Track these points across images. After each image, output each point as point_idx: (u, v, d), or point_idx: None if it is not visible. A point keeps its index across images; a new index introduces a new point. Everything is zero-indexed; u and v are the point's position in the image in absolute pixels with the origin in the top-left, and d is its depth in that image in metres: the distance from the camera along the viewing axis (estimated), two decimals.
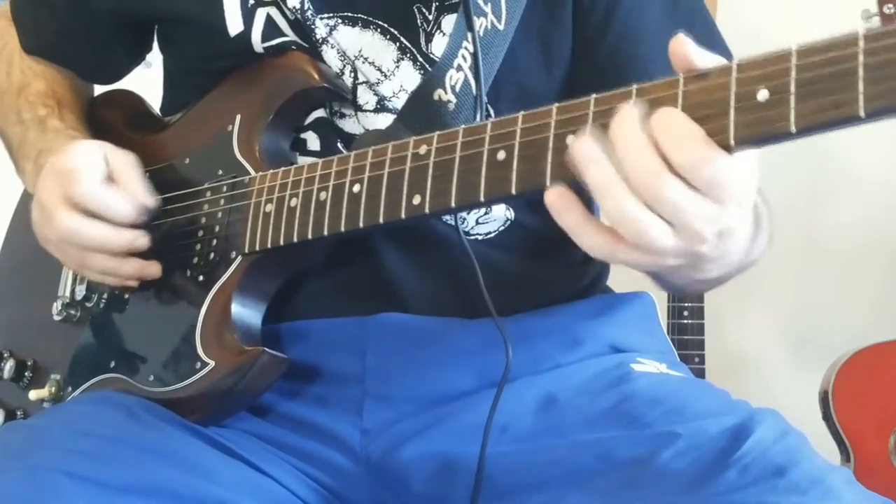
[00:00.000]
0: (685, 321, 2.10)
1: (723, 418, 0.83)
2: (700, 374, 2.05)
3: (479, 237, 0.99)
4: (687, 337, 2.09)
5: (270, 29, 1.00)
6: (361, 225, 0.85)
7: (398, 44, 0.98)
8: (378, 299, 0.97)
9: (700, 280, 0.80)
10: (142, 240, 0.98)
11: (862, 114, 0.61)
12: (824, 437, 2.14)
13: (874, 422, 2.13)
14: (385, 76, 0.98)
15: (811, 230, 2.48)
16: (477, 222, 0.98)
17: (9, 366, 1.12)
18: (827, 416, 2.16)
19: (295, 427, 0.95)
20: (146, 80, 1.27)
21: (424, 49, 0.98)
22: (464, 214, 0.97)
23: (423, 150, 0.82)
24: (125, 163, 1.00)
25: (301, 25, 0.99)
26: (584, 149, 0.69)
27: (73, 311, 1.09)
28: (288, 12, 0.99)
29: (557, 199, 0.70)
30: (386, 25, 0.98)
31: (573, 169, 0.70)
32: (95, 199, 0.96)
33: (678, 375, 0.99)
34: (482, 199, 0.78)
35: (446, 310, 0.98)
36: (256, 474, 0.90)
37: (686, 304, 2.10)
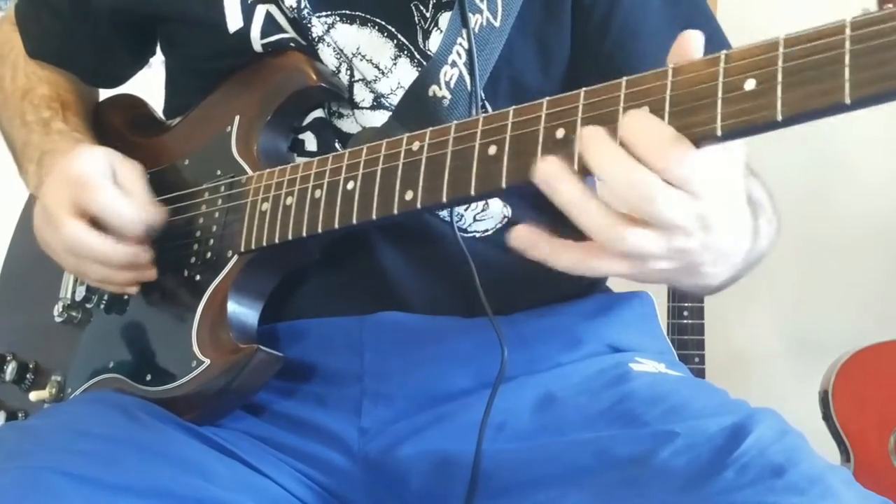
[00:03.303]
0: (685, 321, 2.10)
1: (721, 418, 0.83)
2: (700, 374, 2.05)
3: (477, 234, 0.99)
4: (687, 337, 2.09)
5: (269, 26, 1.00)
6: (355, 221, 0.85)
7: (395, 41, 0.98)
8: (376, 298, 0.97)
9: (709, 286, 0.80)
10: (144, 255, 0.98)
11: (848, 101, 0.61)
12: (824, 437, 2.14)
13: (874, 422, 2.13)
14: (382, 73, 0.98)
15: (811, 230, 2.47)
16: (474, 219, 0.98)
17: (11, 368, 1.12)
18: (827, 416, 2.16)
19: (293, 427, 0.95)
20: (146, 82, 1.27)
21: (422, 46, 0.98)
22: (461, 211, 0.97)
23: (415, 146, 0.82)
24: (133, 173, 0.99)
25: (299, 23, 0.99)
26: (550, 169, 0.70)
27: (73, 313, 1.09)
28: (287, 10, 0.99)
29: (525, 237, 0.72)
30: (383, 23, 0.98)
31: (542, 188, 0.70)
32: (108, 209, 0.95)
33: (677, 375, 0.99)
34: (473, 193, 0.78)
35: (445, 309, 0.97)
36: (254, 474, 0.90)
37: (686, 304, 2.10)
